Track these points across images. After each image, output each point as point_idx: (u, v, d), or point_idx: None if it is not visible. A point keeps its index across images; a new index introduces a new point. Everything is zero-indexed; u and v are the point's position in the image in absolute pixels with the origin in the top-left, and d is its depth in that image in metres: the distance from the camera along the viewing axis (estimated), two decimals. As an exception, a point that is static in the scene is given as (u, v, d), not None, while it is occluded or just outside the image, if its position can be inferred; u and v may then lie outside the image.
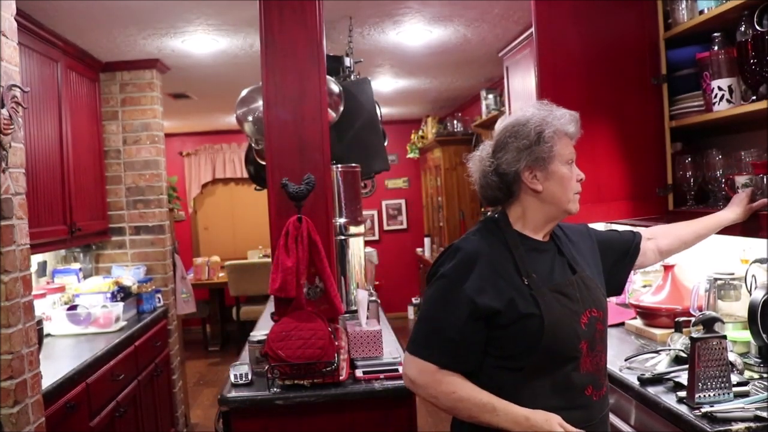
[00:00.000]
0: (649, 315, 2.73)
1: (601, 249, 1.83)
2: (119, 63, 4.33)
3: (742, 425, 1.73)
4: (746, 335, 2.24)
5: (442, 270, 1.62)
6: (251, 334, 2.64)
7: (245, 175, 4.70)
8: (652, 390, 2.05)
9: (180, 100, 5.91)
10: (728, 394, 1.87)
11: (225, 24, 3.67)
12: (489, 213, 1.76)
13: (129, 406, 3.42)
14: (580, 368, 1.59)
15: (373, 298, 2.91)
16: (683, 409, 1.87)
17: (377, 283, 5.82)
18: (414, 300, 8.01)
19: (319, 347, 2.30)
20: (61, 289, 3.83)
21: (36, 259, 3.77)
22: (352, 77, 3.31)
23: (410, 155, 8.14)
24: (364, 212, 3.72)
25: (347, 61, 3.30)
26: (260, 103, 2.72)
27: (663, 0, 2.44)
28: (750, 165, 2.11)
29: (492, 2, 3.52)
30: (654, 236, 2.00)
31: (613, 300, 2.95)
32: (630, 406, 2.17)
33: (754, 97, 2.00)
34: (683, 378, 1.98)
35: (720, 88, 2.16)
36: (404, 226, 8.81)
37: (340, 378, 2.38)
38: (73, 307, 3.60)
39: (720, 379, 1.88)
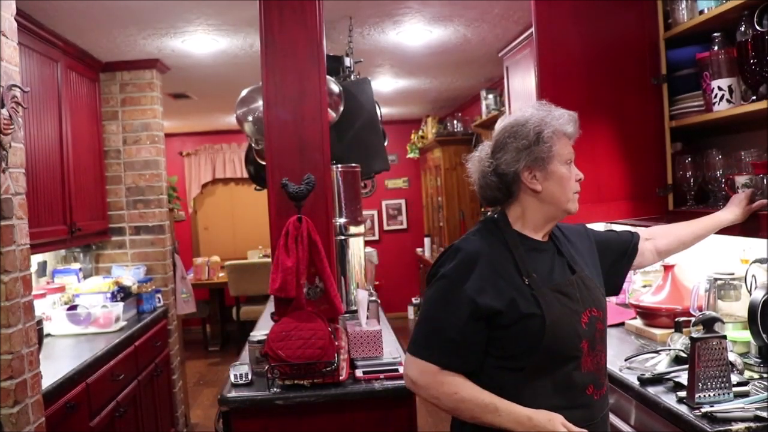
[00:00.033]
0: (649, 315, 2.73)
1: (600, 249, 1.83)
2: (119, 63, 4.33)
3: (742, 425, 1.73)
4: (746, 335, 2.24)
5: (442, 270, 1.62)
6: (251, 334, 2.64)
7: (245, 175, 4.70)
8: (652, 390, 2.05)
9: (180, 100, 5.91)
10: (728, 394, 1.87)
11: (225, 24, 3.67)
12: (489, 213, 1.76)
13: (129, 406, 3.42)
14: (581, 367, 1.59)
15: (373, 298, 2.91)
16: (683, 409, 1.87)
17: (377, 283, 5.82)
18: (414, 300, 8.01)
19: (319, 347, 2.31)
20: (61, 289, 3.83)
21: (36, 259, 3.77)
22: (352, 77, 3.31)
23: (410, 155, 8.14)
24: (364, 212, 3.72)
25: (347, 61, 3.30)
26: (260, 103, 2.72)
27: (663, 0, 2.44)
28: (750, 165, 2.11)
29: (492, 2, 3.52)
30: (652, 237, 2.01)
31: (613, 300, 2.95)
32: (630, 406, 2.17)
33: (754, 97, 2.00)
34: (683, 378, 1.98)
35: (720, 88, 2.15)
36: (404, 226, 8.81)
37: (340, 378, 2.38)
38: (73, 307, 3.60)
39: (720, 379, 1.88)
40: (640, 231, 1.99)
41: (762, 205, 2.01)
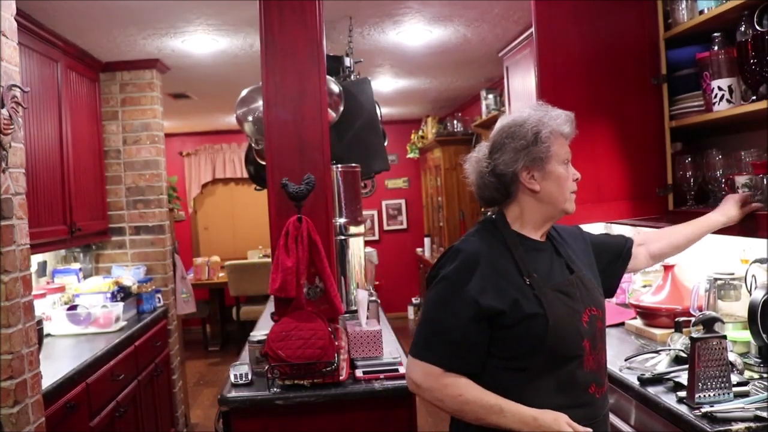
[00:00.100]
0: (649, 315, 2.73)
1: (596, 251, 1.85)
2: (119, 63, 4.33)
3: (742, 425, 1.73)
4: (746, 335, 2.24)
5: (443, 272, 1.62)
6: (251, 334, 2.64)
7: (245, 175, 4.70)
8: (652, 390, 2.05)
9: (180, 100, 5.91)
10: (728, 394, 1.87)
11: (225, 24, 3.67)
12: (489, 213, 1.76)
13: (129, 406, 3.42)
14: (584, 366, 1.59)
15: (373, 298, 2.91)
16: (683, 409, 1.87)
17: (377, 283, 5.82)
18: (414, 300, 8.00)
19: (319, 347, 2.30)
20: (61, 289, 3.83)
21: (36, 259, 3.77)
22: (352, 77, 3.31)
23: (410, 155, 8.14)
24: (364, 212, 3.72)
25: (347, 61, 3.30)
26: (260, 103, 2.72)
27: (663, 0, 2.44)
28: (750, 165, 2.11)
29: (492, 2, 3.52)
30: (645, 242, 2.03)
31: (613, 300, 2.95)
32: (630, 406, 2.17)
33: (754, 97, 2.00)
34: (683, 378, 1.98)
35: (720, 88, 2.15)
36: (404, 226, 8.81)
37: (340, 378, 2.38)
38: (73, 307, 3.60)
39: (720, 379, 1.88)
40: (633, 237, 2.00)
41: (754, 209, 2.01)
